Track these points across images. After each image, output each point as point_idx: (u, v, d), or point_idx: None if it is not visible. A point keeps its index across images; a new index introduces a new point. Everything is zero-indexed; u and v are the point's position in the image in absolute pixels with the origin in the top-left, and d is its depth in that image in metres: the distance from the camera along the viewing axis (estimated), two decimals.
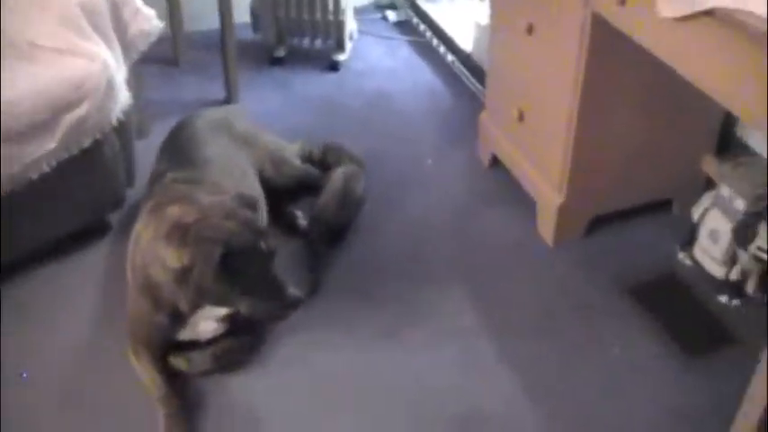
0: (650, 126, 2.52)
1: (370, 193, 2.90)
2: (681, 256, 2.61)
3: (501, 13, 2.79)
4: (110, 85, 2.47)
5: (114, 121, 2.54)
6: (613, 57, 2.29)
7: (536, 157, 2.69)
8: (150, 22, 2.66)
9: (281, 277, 2.07)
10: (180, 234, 1.98)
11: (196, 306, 2.08)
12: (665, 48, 1.96)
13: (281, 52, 3.84)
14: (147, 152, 2.71)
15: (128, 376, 2.20)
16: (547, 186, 2.64)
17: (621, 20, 2.09)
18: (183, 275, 1.98)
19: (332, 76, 3.76)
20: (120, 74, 2.56)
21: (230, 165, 2.50)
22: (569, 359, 2.29)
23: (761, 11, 1.62)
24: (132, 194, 2.76)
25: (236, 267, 1.96)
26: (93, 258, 2.64)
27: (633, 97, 2.43)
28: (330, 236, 2.70)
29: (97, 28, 2.50)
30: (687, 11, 1.80)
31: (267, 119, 3.28)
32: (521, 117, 2.71)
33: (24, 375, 2.09)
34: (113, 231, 2.74)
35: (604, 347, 2.32)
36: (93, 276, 2.58)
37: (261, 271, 2.04)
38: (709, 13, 1.75)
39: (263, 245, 2.02)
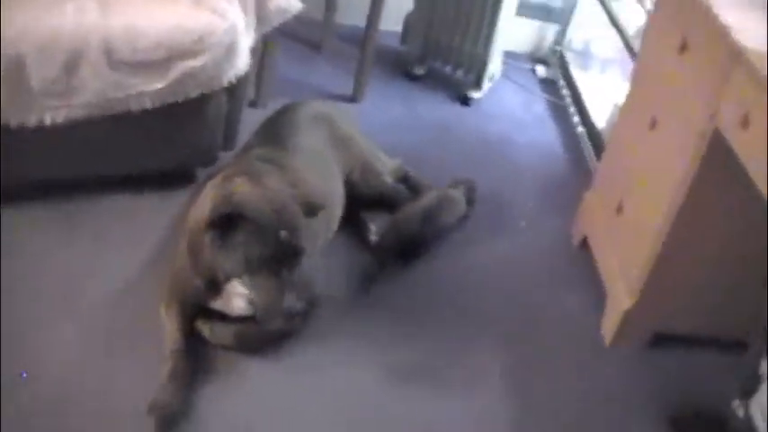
0: (742, 260, 2.39)
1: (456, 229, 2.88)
2: (736, 403, 2.45)
3: (633, 101, 2.71)
4: (231, 47, 2.51)
5: (226, 83, 2.58)
6: (723, 178, 2.17)
7: (621, 253, 2.59)
8: (290, 0, 2.69)
9: (293, 283, 2.07)
10: (215, 193, 2.06)
11: (232, 275, 2.08)
12: None
13: (420, 70, 3.84)
14: (256, 122, 2.74)
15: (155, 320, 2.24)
16: (621, 286, 2.53)
17: (740, 142, 1.99)
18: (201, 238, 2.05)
19: (460, 109, 3.73)
20: (246, 40, 2.60)
21: (319, 159, 2.51)
22: None
23: None
24: (226, 158, 2.80)
25: (243, 238, 2.00)
26: (169, 203, 2.69)
27: (731, 225, 2.31)
28: (399, 249, 2.66)
29: None
30: None
31: (381, 128, 3.31)
32: (619, 209, 2.61)
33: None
34: (196, 185, 2.78)
35: None
36: (162, 219, 2.63)
37: (272, 260, 2.03)
38: None
39: (283, 234, 2.02)
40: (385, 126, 3.39)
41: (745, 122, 1.94)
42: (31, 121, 2.37)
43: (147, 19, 2.44)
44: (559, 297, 2.75)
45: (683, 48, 2.32)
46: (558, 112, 3.86)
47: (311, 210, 2.16)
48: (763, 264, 2.38)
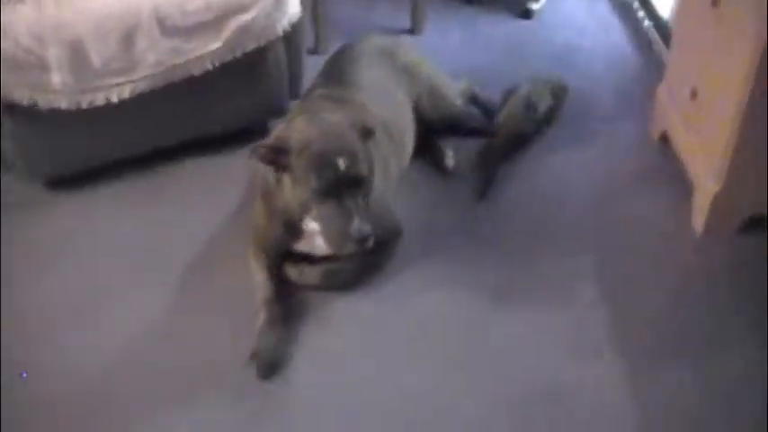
0: None
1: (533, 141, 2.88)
2: None
3: None
4: None
5: (280, 32, 2.60)
6: None
7: (702, 139, 2.52)
8: None
9: (358, 209, 2.08)
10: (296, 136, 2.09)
11: (303, 212, 2.12)
12: None
13: None
14: (319, 68, 2.76)
15: (243, 273, 2.30)
16: (707, 171, 2.47)
17: None
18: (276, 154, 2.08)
19: (522, 23, 3.67)
20: None
21: (383, 91, 2.52)
22: (687, 361, 2.13)
23: None
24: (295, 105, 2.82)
25: (302, 171, 2.05)
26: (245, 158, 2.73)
27: None
28: (514, 144, 2.79)
29: None
30: None
31: (445, 55, 3.29)
32: (694, 95, 2.53)
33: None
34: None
35: (726, 359, 2.13)
36: (240, 174, 2.69)
37: (334, 188, 2.06)
38: None
39: (341, 162, 2.04)
40: (449, 52, 3.38)
41: None
42: (99, 100, 2.45)
43: None
44: (646, 194, 2.70)
45: None
46: (623, 11, 3.75)
47: (366, 133, 2.18)
48: None
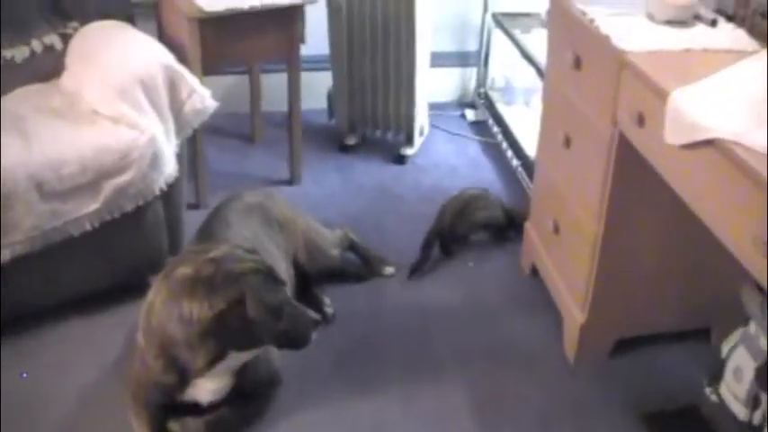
0: (682, 249, 2.47)
1: (406, 282, 3.01)
2: (708, 390, 2.49)
3: (546, 124, 2.81)
4: (155, 157, 2.61)
5: (157, 191, 2.67)
6: (639, 175, 2.25)
7: (565, 271, 2.67)
8: (205, 101, 2.80)
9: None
10: (204, 285, 2.06)
11: (215, 360, 2.11)
12: (672, 173, 1.94)
13: (351, 140, 3.94)
14: (200, 222, 2.81)
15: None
16: (572, 303, 2.60)
17: (639, 141, 2.09)
18: (215, 324, 2.05)
19: (395, 168, 3.82)
20: (169, 147, 2.70)
21: (257, 248, 2.56)
22: None
23: (761, 142, 1.59)
24: None
25: (267, 297, 2.09)
26: (125, 315, 2.72)
27: (661, 217, 2.39)
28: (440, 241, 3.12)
29: (153, 102, 2.65)
30: (688, 139, 1.78)
31: (322, 203, 3.42)
32: (556, 229, 2.69)
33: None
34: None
35: None
36: (120, 331, 2.67)
37: (284, 299, 2.16)
38: (710, 143, 1.72)
39: (277, 274, 2.16)
40: (326, 201, 3.50)
41: (641, 121, 2.04)
42: None
43: (69, 145, 2.53)
44: (520, 325, 2.81)
45: (578, 64, 2.44)
46: (492, 152, 3.96)
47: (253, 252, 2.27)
48: (709, 245, 2.44)
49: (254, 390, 2.34)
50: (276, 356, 2.42)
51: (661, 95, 1.91)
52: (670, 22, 2.31)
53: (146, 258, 2.80)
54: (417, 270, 3.04)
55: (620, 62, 2.14)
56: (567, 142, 2.54)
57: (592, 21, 2.32)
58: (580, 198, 2.48)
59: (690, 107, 1.80)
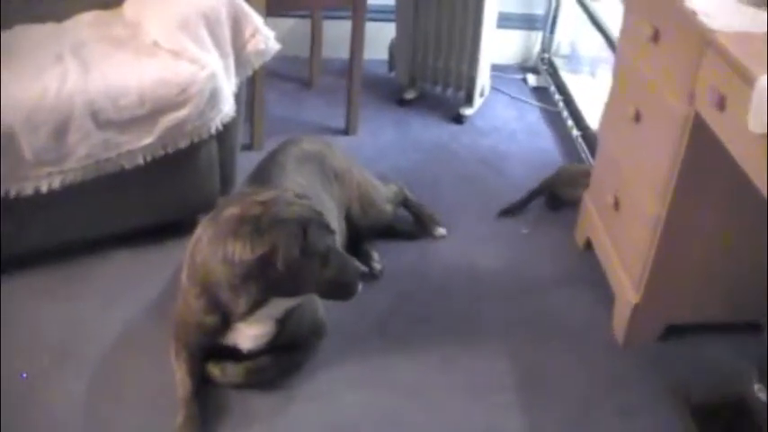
0: (742, 239, 2.38)
1: (457, 243, 2.92)
2: (756, 387, 2.42)
3: (615, 97, 2.72)
4: (214, 95, 2.56)
5: (213, 130, 2.62)
6: (710, 160, 2.16)
7: (622, 249, 2.59)
8: (268, 42, 2.74)
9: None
10: (250, 226, 2.02)
11: (257, 305, 2.09)
12: (751, 162, 1.84)
13: (410, 94, 3.88)
14: (254, 165, 2.77)
15: (163, 369, 2.27)
16: (626, 282, 2.53)
17: (718, 125, 1.99)
18: (258, 267, 2.01)
19: (453, 127, 3.76)
20: (228, 86, 2.65)
21: (313, 197, 2.52)
22: None
23: None
24: None
25: (313, 243, 2.05)
26: (172, 253, 2.70)
27: (725, 204, 2.30)
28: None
29: (215, 38, 2.60)
30: None
31: (377, 156, 3.37)
32: (616, 205, 2.62)
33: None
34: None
35: None
36: (166, 269, 2.66)
37: (331, 247, 2.12)
38: None
39: (327, 221, 2.12)
40: (380, 153, 3.45)
41: (721, 104, 1.95)
42: (28, 189, 2.42)
43: (128, 76, 2.49)
44: (569, 300, 2.74)
45: (656, 37, 2.34)
46: (553, 119, 3.87)
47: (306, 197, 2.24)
48: (761, 242, 2.38)
49: (296, 339, 2.31)
50: (321, 308, 2.39)
51: (747, 80, 1.81)
52: (757, 3, 2.20)
53: (197, 197, 2.77)
54: (510, 212, 3.13)
55: (704, 40, 2.04)
56: (637, 117, 2.45)
57: None
58: (645, 177, 2.40)
59: None
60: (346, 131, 3.59)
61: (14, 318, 2.44)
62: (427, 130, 3.70)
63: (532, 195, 3.17)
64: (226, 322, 2.17)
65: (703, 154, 2.18)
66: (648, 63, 2.40)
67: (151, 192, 2.67)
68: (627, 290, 2.52)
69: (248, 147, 3.31)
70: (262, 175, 2.55)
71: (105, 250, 2.71)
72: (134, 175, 2.56)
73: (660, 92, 2.31)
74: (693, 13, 2.10)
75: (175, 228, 2.76)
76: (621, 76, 2.68)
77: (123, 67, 2.51)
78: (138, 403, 2.22)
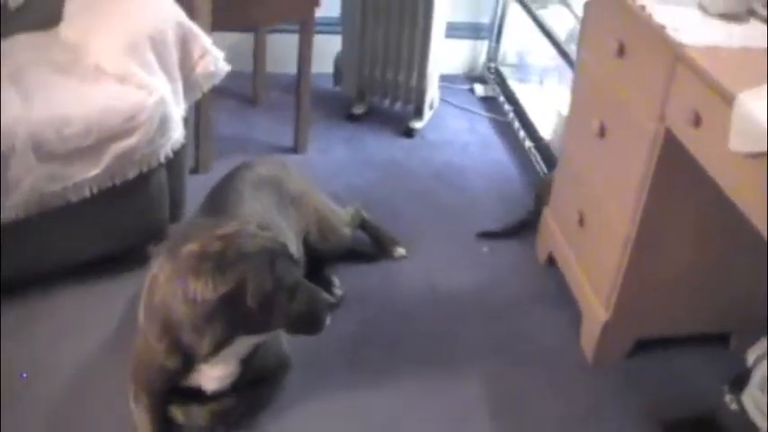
0: (712, 254, 2.36)
1: (418, 263, 2.85)
2: (728, 398, 2.39)
3: (577, 110, 2.68)
4: (163, 121, 2.43)
5: (163, 158, 2.50)
6: (681, 177, 2.13)
7: (589, 266, 2.55)
8: (217, 63, 2.63)
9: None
10: (212, 263, 1.89)
11: (222, 344, 1.96)
12: (730, 181, 1.81)
13: (359, 109, 3.79)
14: (202, 188, 2.65)
15: (121, 413, 2.15)
16: (595, 300, 2.49)
17: (693, 143, 1.95)
18: (222, 305, 1.89)
19: (405, 141, 3.68)
20: (177, 110, 2.53)
21: (269, 224, 2.42)
22: None
23: None
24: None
25: (281, 277, 1.93)
26: (123, 286, 2.59)
27: (697, 220, 2.27)
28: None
29: (162, 62, 2.48)
30: (758, 148, 1.66)
31: (328, 175, 3.27)
32: (581, 221, 2.57)
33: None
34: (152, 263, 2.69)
35: None
36: (118, 302, 2.54)
37: (299, 279, 2.01)
38: None
39: (291, 252, 2.00)
40: (332, 172, 3.35)
41: (696, 121, 1.91)
42: None
43: (73, 104, 2.35)
44: (536, 320, 2.69)
45: (621, 52, 2.29)
46: (504, 130, 3.82)
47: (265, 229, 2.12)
48: (737, 252, 2.35)
49: (262, 376, 2.21)
50: (285, 341, 2.29)
51: (725, 97, 1.77)
52: (724, 16, 2.17)
53: (147, 226, 2.65)
54: (494, 237, 3.04)
55: (675, 55, 2.00)
56: (602, 132, 2.41)
57: (643, 8, 2.17)
58: (613, 194, 2.36)
59: (761, 113, 1.67)
60: (295, 150, 3.48)
61: None
62: (379, 146, 3.62)
63: (520, 226, 3.08)
64: (189, 364, 2.05)
65: (674, 171, 2.14)
66: (613, 77, 2.36)
67: (98, 223, 2.53)
68: (595, 308, 2.47)
69: (195, 170, 3.18)
70: (217, 203, 2.43)
71: (54, 285, 2.56)
72: (80, 206, 2.42)
73: (627, 107, 2.27)
74: (662, 27, 2.06)
75: (126, 258, 2.65)
76: (582, 90, 2.64)
77: (67, 95, 2.37)
78: None
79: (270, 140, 3.54)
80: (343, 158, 3.50)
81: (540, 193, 3.03)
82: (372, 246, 2.91)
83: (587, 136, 2.49)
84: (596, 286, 2.49)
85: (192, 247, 1.95)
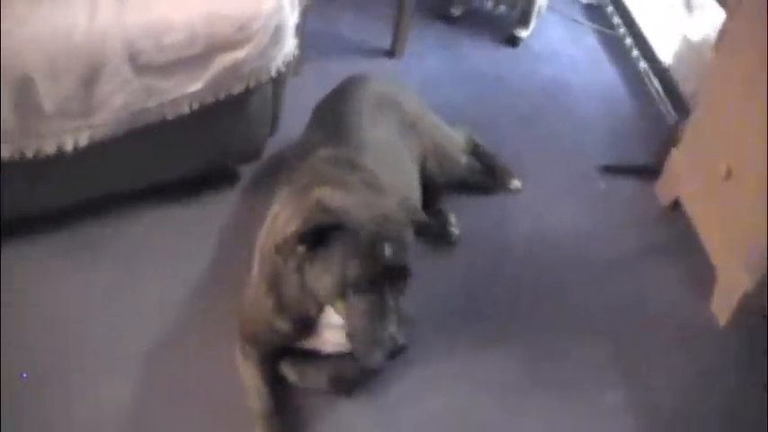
0: None
1: (534, 199, 2.60)
2: None
3: (731, 48, 2.34)
4: (278, 31, 2.14)
5: (274, 73, 2.21)
6: None
7: (735, 227, 2.29)
8: None
9: (398, 310, 1.69)
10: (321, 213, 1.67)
11: (326, 303, 1.74)
12: None
13: (457, 11, 3.46)
14: (294, 94, 2.44)
15: (218, 371, 1.95)
16: (737, 264, 2.25)
17: None
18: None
19: (508, 51, 3.37)
20: (291, 18, 2.22)
21: (392, 154, 2.17)
22: None
23: None
24: (272, 144, 2.47)
25: (341, 254, 1.64)
26: (216, 208, 2.38)
27: None
28: None
29: None
30: None
31: (426, 85, 2.99)
32: (728, 174, 2.30)
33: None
34: (242, 184, 2.48)
35: None
36: (211, 227, 2.33)
37: (374, 281, 1.65)
38: None
39: (388, 251, 1.65)
40: (429, 83, 3.05)
41: None
42: (48, 147, 1.99)
43: (175, 7, 2.04)
44: (656, 275, 2.46)
45: None
46: (613, 45, 3.49)
47: (419, 225, 1.80)
48: None
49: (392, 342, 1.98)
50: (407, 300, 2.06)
51: None
52: None
53: (243, 146, 2.40)
54: (615, 172, 2.77)
55: None
56: None
57: None
58: None
59: None
60: (392, 53, 3.17)
61: (48, 291, 2.08)
62: (479, 55, 3.30)
63: (648, 168, 2.76)
64: (302, 326, 1.85)
65: None
66: None
67: (192, 142, 2.26)
68: (737, 273, 2.25)
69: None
70: (333, 125, 2.16)
71: (141, 205, 2.32)
72: (173, 123, 2.14)
73: None
74: None
75: (214, 179, 2.42)
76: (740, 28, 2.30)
77: None
78: (194, 414, 1.89)
79: (362, 39, 3.23)
80: (440, 67, 3.19)
81: (668, 146, 2.69)
82: (485, 175, 2.65)
83: (751, 83, 2.19)
84: (742, 250, 2.24)
85: (322, 191, 1.75)
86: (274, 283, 1.81)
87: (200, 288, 2.16)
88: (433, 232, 2.39)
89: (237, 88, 2.17)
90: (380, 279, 1.65)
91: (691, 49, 2.91)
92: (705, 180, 2.44)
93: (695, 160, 2.51)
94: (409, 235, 1.74)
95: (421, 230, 1.80)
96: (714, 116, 2.44)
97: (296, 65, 2.86)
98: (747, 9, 2.27)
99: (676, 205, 2.61)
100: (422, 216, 1.83)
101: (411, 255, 1.72)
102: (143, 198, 2.33)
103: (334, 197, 1.72)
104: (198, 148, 2.30)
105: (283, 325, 1.85)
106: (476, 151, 2.64)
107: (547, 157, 2.81)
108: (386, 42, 3.17)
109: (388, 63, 3.10)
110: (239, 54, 2.10)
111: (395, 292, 1.69)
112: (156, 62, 2.02)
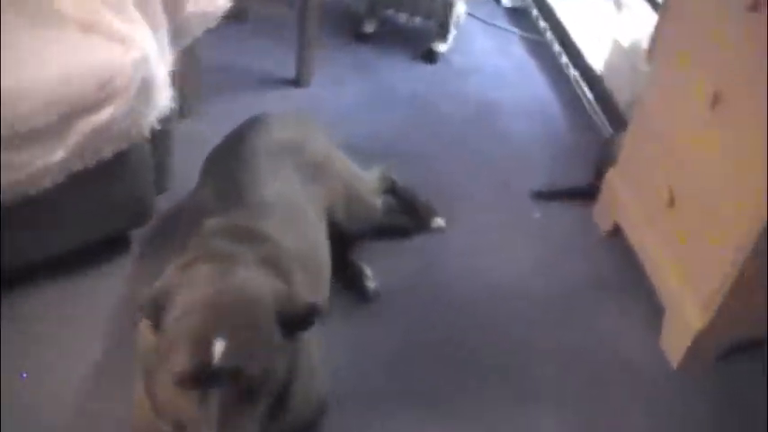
0: None
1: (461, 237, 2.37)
2: None
3: (668, 54, 2.13)
4: (146, 85, 1.89)
5: (147, 132, 1.95)
6: None
7: (682, 258, 2.08)
8: (216, 1, 2.03)
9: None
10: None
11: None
12: None
13: (370, 27, 3.24)
14: (191, 139, 2.24)
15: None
16: (688, 300, 2.04)
17: None
18: None
19: (427, 68, 3.13)
20: (162, 67, 1.96)
21: (295, 210, 1.92)
22: None
23: None
24: (168, 198, 2.25)
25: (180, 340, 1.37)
26: (108, 279, 2.12)
27: None
28: None
29: (142, 6, 1.89)
30: None
31: (340, 115, 2.75)
32: (671, 201, 2.07)
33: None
34: (134, 250, 2.22)
35: None
36: (105, 299, 2.07)
37: (204, 381, 1.36)
38: None
39: (218, 346, 1.34)
40: (343, 111, 2.82)
41: None
42: None
43: (27, 70, 1.78)
44: (600, 307, 2.26)
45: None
46: (541, 53, 3.29)
47: (305, 315, 1.53)
48: None
49: (293, 426, 1.70)
50: (323, 378, 1.80)
51: None
52: None
53: (128, 210, 2.13)
54: (548, 198, 2.56)
55: None
56: (716, 100, 1.88)
57: None
58: (727, 182, 1.87)
59: None
60: (297, 82, 2.91)
61: None
62: (397, 75, 3.06)
63: (583, 191, 2.56)
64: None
65: None
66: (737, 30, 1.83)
67: (69, 211, 1.99)
68: (687, 308, 2.06)
69: (179, 113, 2.58)
70: (226, 179, 1.91)
71: (27, 283, 2.05)
72: (46, 194, 1.87)
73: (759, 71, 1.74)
74: None
75: (104, 248, 2.15)
76: (674, 33, 2.09)
77: (20, 57, 1.78)
78: None
79: (266, 69, 2.96)
80: (355, 94, 2.94)
81: (603, 162, 2.50)
82: (405, 216, 2.42)
83: (692, 101, 1.97)
84: (692, 284, 2.04)
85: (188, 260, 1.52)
86: (150, 388, 1.53)
87: (104, 360, 1.91)
88: (347, 288, 2.14)
89: (107, 152, 1.90)
90: (209, 382, 1.35)
91: (621, 56, 2.70)
92: (646, 206, 2.23)
93: (634, 183, 2.30)
94: (266, 334, 1.43)
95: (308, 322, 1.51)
96: (651, 132, 2.21)
97: (192, 105, 2.61)
98: (678, 9, 2.07)
99: (618, 229, 2.39)
100: (301, 307, 1.53)
101: (259, 361, 1.37)
102: (35, 275, 2.06)
103: (196, 277, 1.45)
104: (79, 217, 2.03)
105: (166, 428, 1.57)
106: (392, 189, 2.39)
107: (477, 186, 2.60)
108: (292, 71, 2.91)
109: (295, 93, 2.85)
110: (103, 115, 1.84)
111: (238, 406, 1.37)
112: (11, 133, 1.75)
